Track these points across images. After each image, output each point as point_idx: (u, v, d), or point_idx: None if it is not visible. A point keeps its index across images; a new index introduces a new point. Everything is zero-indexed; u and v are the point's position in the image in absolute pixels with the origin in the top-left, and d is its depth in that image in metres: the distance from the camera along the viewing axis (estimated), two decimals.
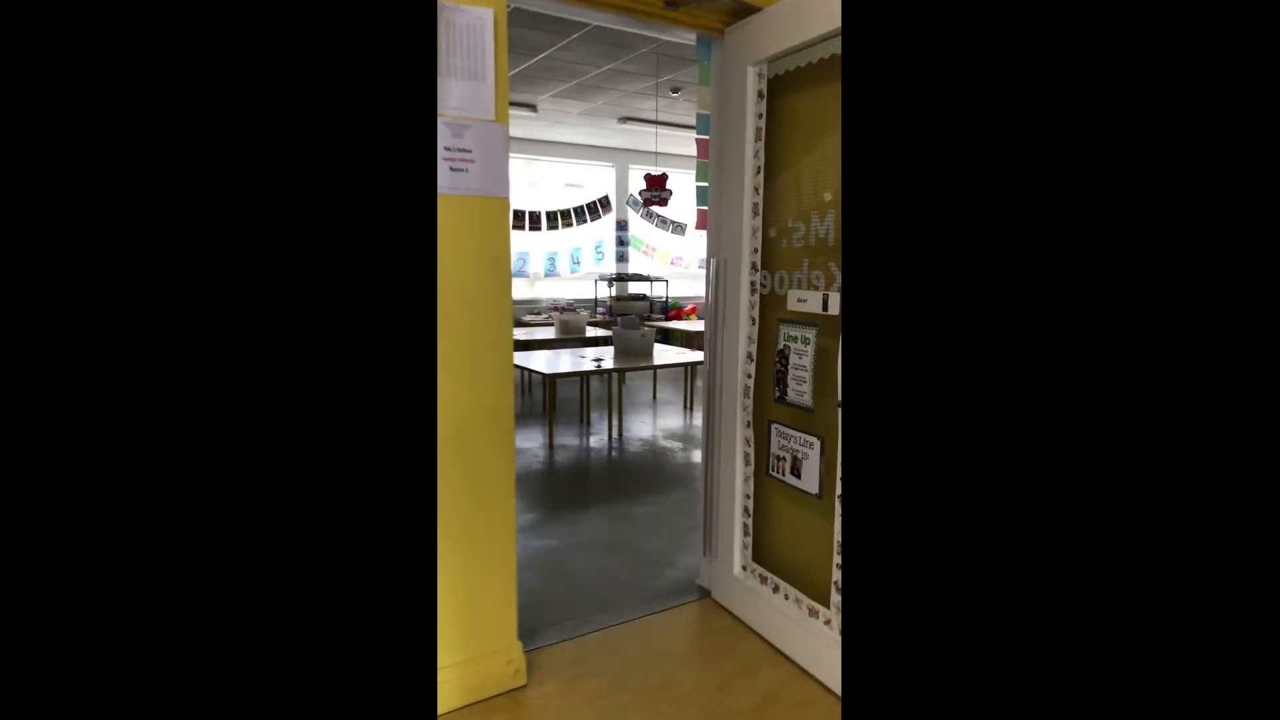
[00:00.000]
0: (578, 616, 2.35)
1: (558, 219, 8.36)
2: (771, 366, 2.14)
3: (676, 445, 4.61)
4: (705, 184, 2.43)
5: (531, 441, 4.61)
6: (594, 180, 8.89)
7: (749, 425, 2.27)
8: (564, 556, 2.85)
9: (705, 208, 2.44)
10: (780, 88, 2.06)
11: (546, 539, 3.03)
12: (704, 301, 2.52)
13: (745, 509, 2.32)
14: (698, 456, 4.32)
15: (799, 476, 2.06)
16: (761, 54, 2.08)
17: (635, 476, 3.94)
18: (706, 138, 2.40)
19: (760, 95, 2.13)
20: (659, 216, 8.85)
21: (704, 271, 2.42)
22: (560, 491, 3.69)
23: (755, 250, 2.20)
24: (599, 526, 3.19)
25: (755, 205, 2.18)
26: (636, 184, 8.16)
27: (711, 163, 2.37)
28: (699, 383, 6.57)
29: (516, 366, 4.84)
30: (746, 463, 2.29)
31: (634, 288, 9.21)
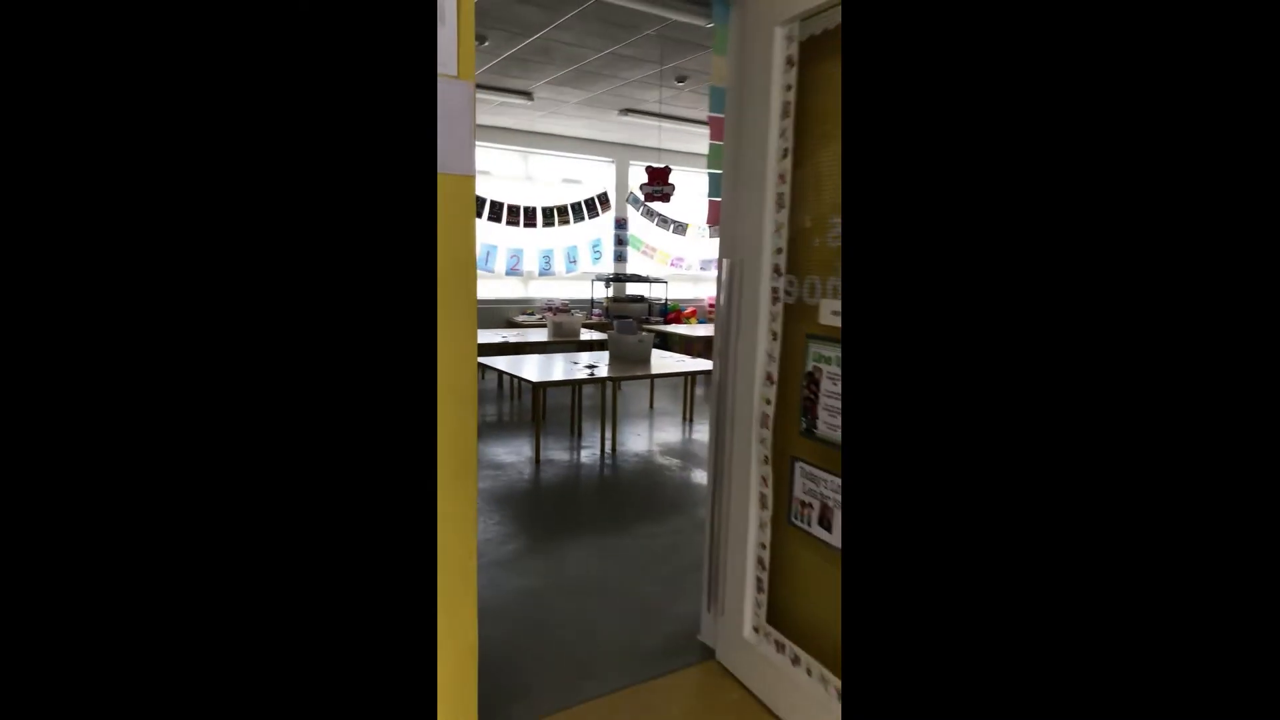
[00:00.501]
0: (555, 684, 1.97)
1: (554, 215, 7.98)
2: (798, 392, 1.76)
3: (674, 463, 4.23)
4: (718, 171, 2.05)
5: (517, 454, 4.23)
6: (593, 176, 8.50)
7: (766, 461, 1.89)
8: (544, 601, 2.46)
9: (718, 199, 2.06)
10: (814, 52, 1.68)
11: (525, 576, 2.65)
12: (705, 304, 2.14)
13: (760, 561, 1.94)
14: (698, 477, 3.94)
15: (829, 529, 1.68)
16: (791, 11, 1.70)
17: (629, 498, 3.56)
18: (721, 115, 2.02)
19: (789, 62, 1.75)
20: (660, 215, 8.47)
21: (706, 274, 2.05)
22: (545, 515, 3.30)
23: (779, 250, 1.82)
24: (586, 562, 2.80)
25: (780, 196, 1.80)
26: (637, 181, 7.78)
27: (727, 145, 1.99)
28: (699, 391, 6.22)
29: (503, 372, 4.46)
30: (763, 506, 1.91)
31: (632, 289, 8.83)
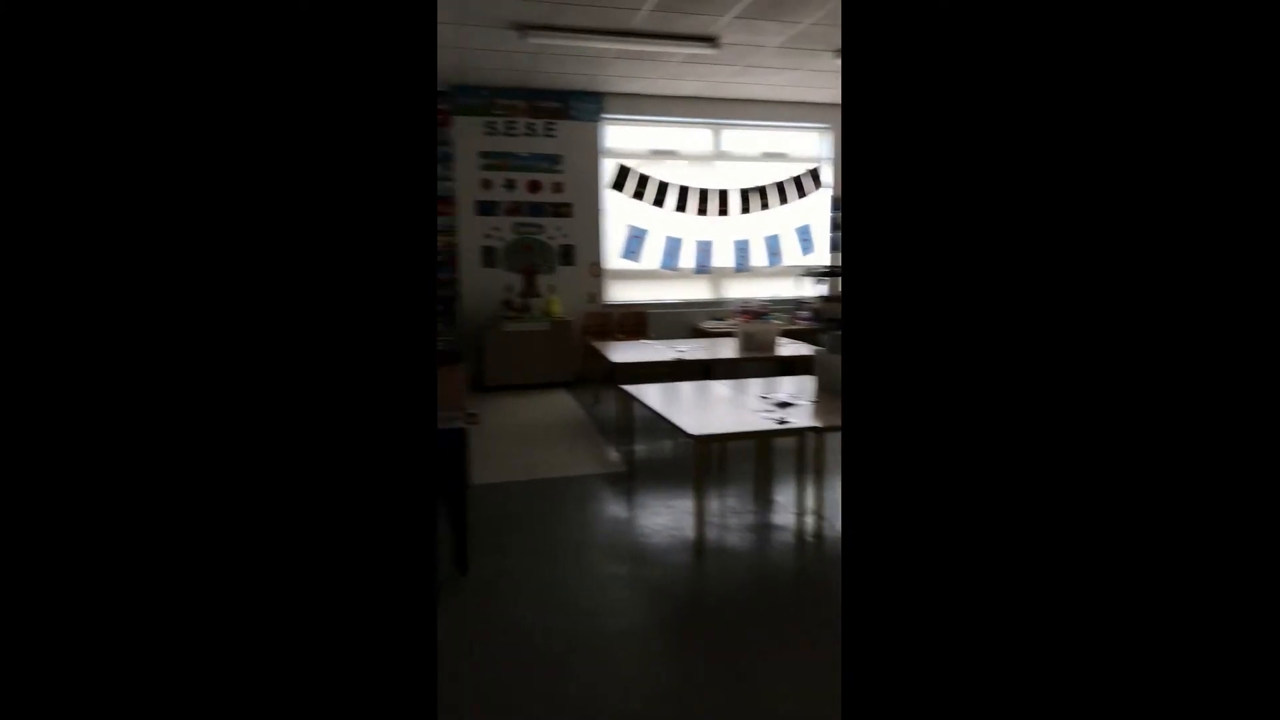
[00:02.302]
0: None
1: (750, 199, 6.57)
2: None
3: None
4: None
5: (673, 526, 2.93)
6: (801, 148, 6.93)
7: None
8: None
9: None
10: None
11: None
12: None
13: None
14: None
15: None
16: None
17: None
18: None
19: None
20: None
21: None
22: (713, 638, 1.95)
23: None
24: None
25: None
26: None
27: None
28: None
29: (655, 414, 3.16)
30: None
31: None
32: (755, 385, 3.56)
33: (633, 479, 3.61)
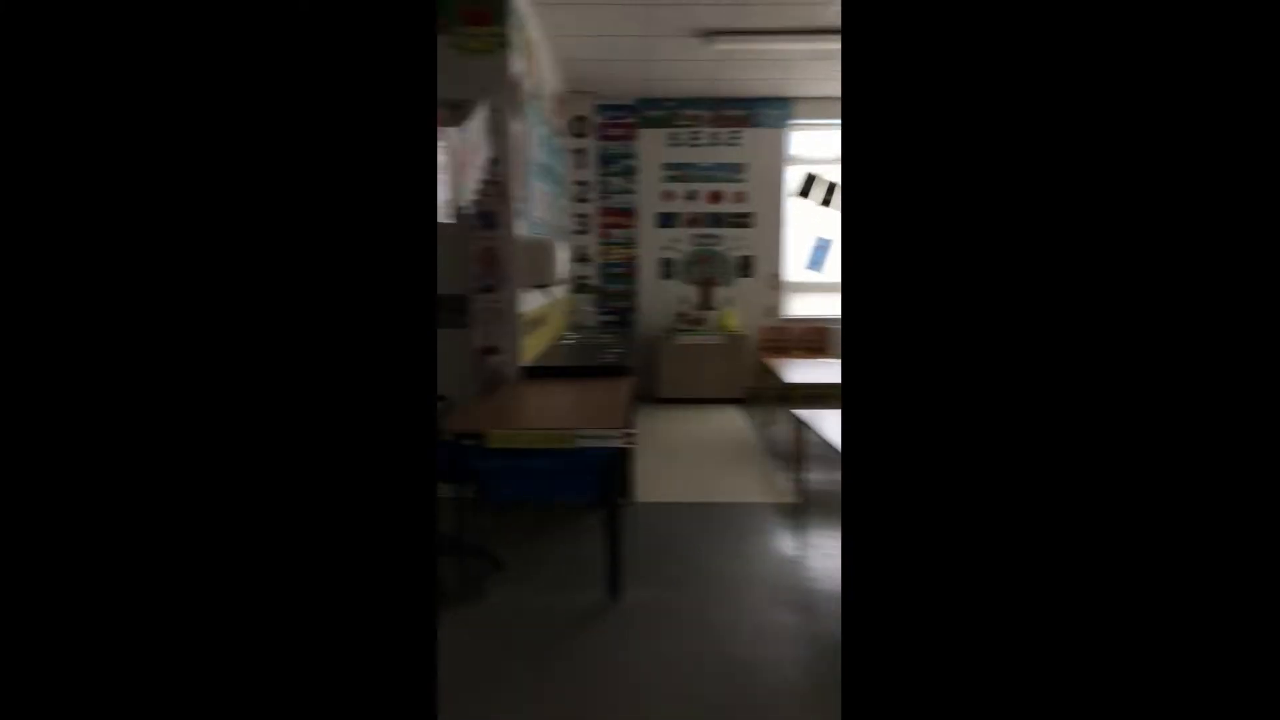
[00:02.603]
0: None
1: None
2: None
3: None
4: None
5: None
6: None
7: None
8: None
9: None
10: None
11: None
12: None
13: None
14: None
15: None
16: None
17: None
18: None
19: None
20: None
21: None
22: None
23: None
24: None
25: None
26: None
27: None
28: None
29: (808, 430, 2.86)
30: None
31: None
32: None
33: (805, 513, 3.32)
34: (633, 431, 2.18)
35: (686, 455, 4.30)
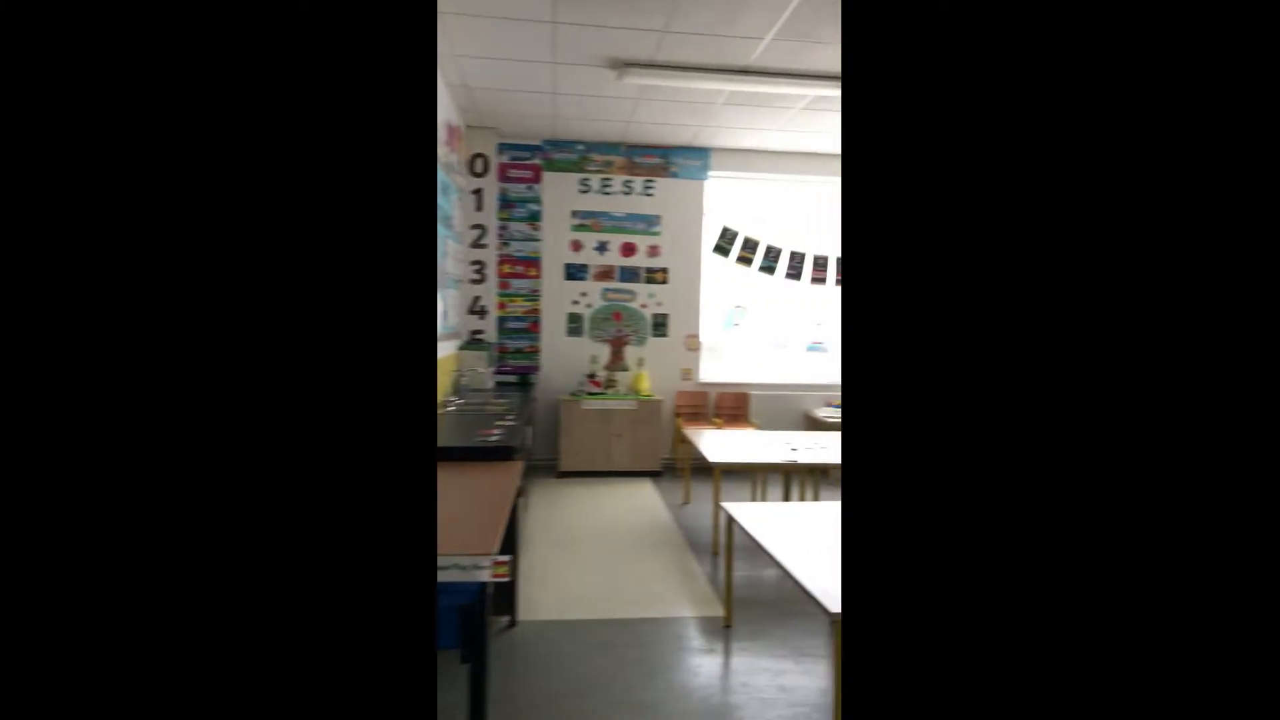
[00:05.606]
0: None
1: None
2: None
3: None
4: None
5: (788, 711, 1.99)
6: None
7: None
8: None
9: None
10: None
11: None
12: None
13: None
14: None
15: None
16: None
17: None
18: None
19: None
20: None
21: None
22: None
23: None
24: None
25: None
26: None
27: None
28: None
29: (775, 562, 2.28)
30: None
31: None
32: None
33: (731, 631, 2.70)
34: (507, 560, 1.50)
35: (589, 546, 3.62)
